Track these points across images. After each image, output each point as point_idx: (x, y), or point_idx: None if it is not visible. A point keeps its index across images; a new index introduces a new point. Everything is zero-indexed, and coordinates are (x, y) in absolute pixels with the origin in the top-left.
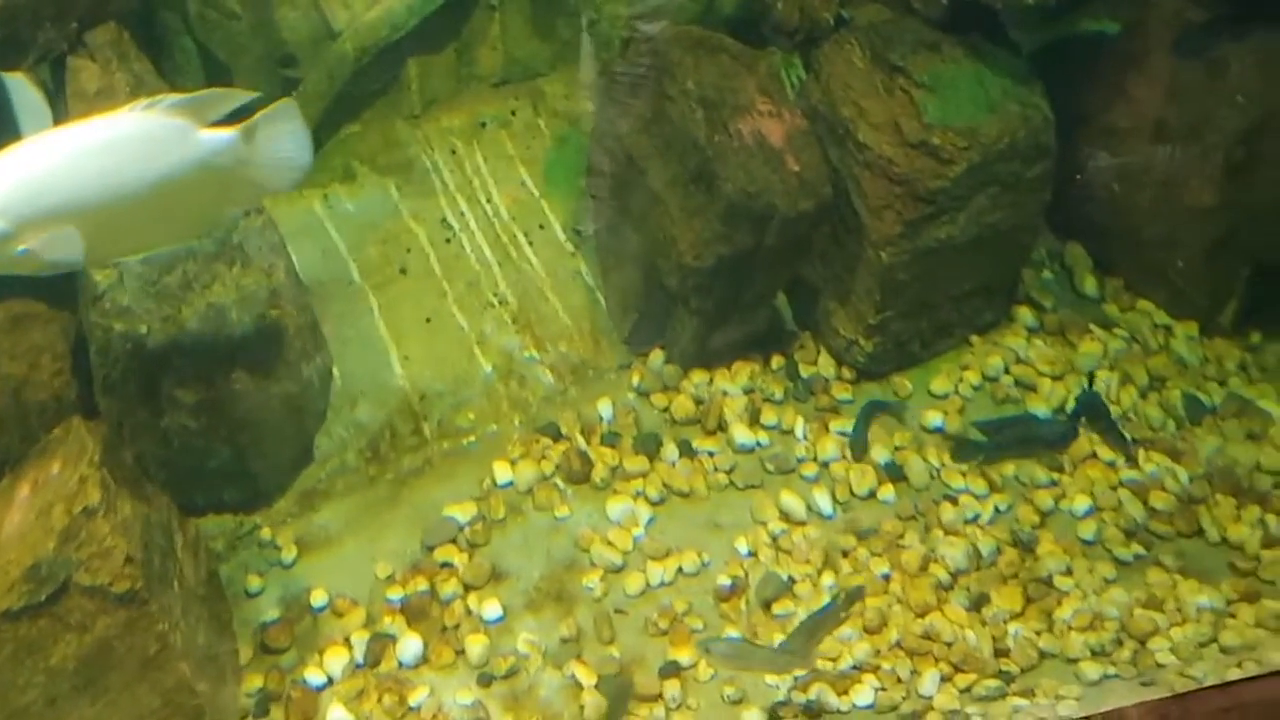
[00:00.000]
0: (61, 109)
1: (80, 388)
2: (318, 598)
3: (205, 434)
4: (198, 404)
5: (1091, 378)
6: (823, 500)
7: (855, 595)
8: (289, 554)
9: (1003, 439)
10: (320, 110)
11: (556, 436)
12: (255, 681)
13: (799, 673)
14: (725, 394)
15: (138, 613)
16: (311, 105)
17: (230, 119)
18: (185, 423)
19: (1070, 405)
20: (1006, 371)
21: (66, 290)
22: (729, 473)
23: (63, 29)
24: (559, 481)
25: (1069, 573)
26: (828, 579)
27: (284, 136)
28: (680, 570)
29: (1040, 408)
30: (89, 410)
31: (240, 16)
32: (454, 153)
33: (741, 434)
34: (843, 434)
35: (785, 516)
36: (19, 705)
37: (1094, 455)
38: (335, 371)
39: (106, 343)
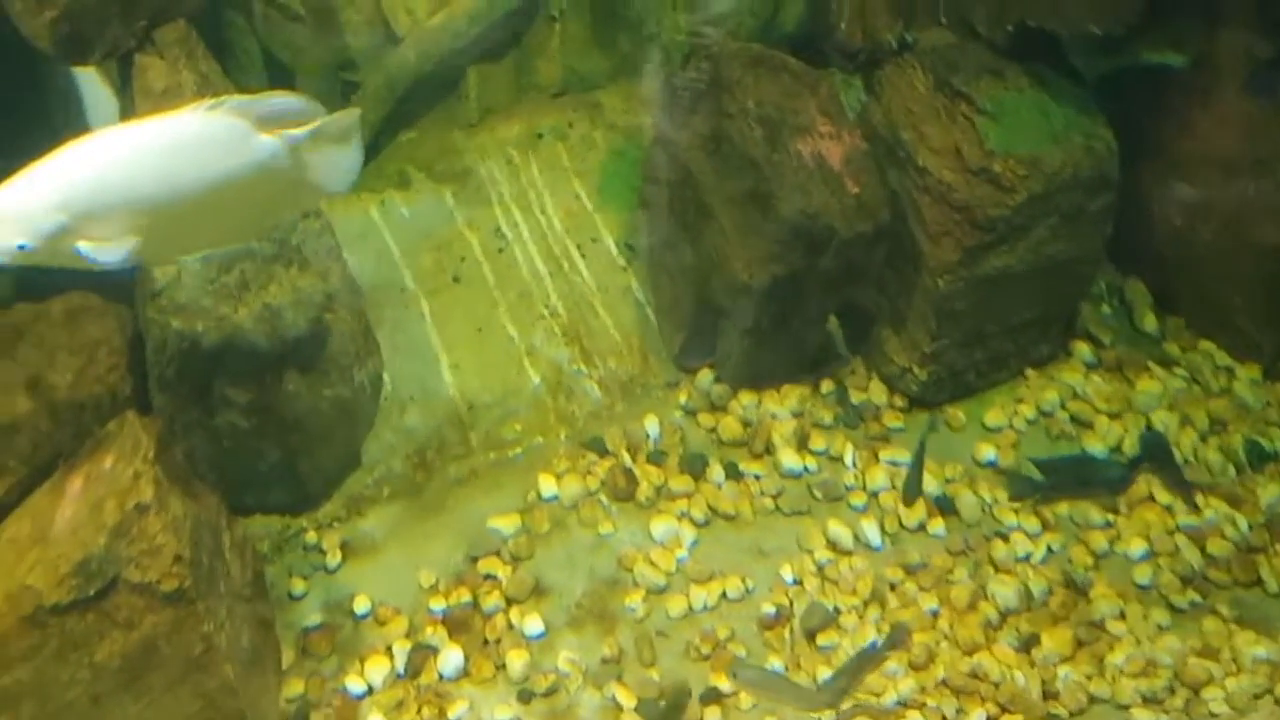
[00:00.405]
0: (128, 105)
1: (135, 383)
2: (361, 604)
3: (256, 434)
4: (250, 404)
5: (1148, 419)
6: (871, 531)
7: (898, 637)
8: (334, 559)
9: (1060, 479)
10: (379, 116)
11: (602, 452)
12: (296, 687)
13: (827, 714)
14: (774, 417)
15: (184, 612)
16: (370, 110)
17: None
18: (237, 422)
19: (1128, 445)
20: (1062, 407)
21: (124, 285)
22: (775, 497)
23: (131, 26)
24: (603, 498)
25: (1122, 617)
26: (874, 612)
27: (339, 145)
28: (724, 595)
29: (1096, 446)
30: (142, 406)
31: (303, 19)
32: (510, 162)
33: (789, 458)
34: (893, 463)
35: (832, 545)
36: (63, 701)
37: (1151, 498)
38: (386, 377)
39: (163, 339)
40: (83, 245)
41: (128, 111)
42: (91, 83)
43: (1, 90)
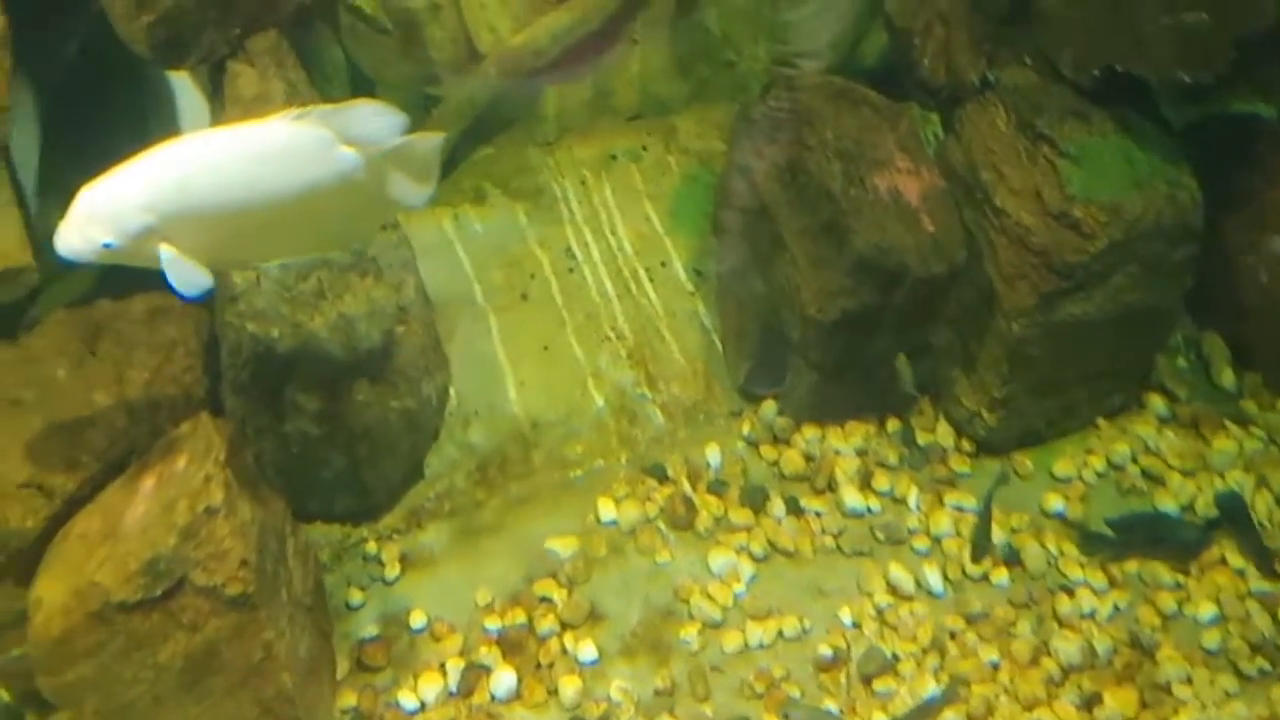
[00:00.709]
0: (218, 111)
1: (209, 385)
2: (417, 619)
3: (324, 442)
4: (320, 412)
5: (1224, 480)
6: (933, 577)
7: (952, 694)
8: (392, 571)
9: (1134, 537)
10: (458, 131)
11: (663, 479)
12: (349, 699)
13: None
14: (837, 453)
15: (247, 617)
16: (450, 125)
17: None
18: (306, 429)
19: (1202, 504)
20: (1134, 461)
21: None
22: (837, 536)
23: (225, 33)
24: (662, 525)
25: (1188, 681)
26: (933, 660)
27: (419, 163)
28: (780, 634)
29: (1169, 504)
30: (215, 408)
31: (389, 33)
32: (583, 183)
33: (852, 497)
34: (958, 509)
35: (893, 590)
36: (125, 700)
37: (1223, 561)
38: (452, 391)
39: (238, 343)
40: (168, 267)
41: (217, 117)
42: (184, 87)
43: (99, 92)
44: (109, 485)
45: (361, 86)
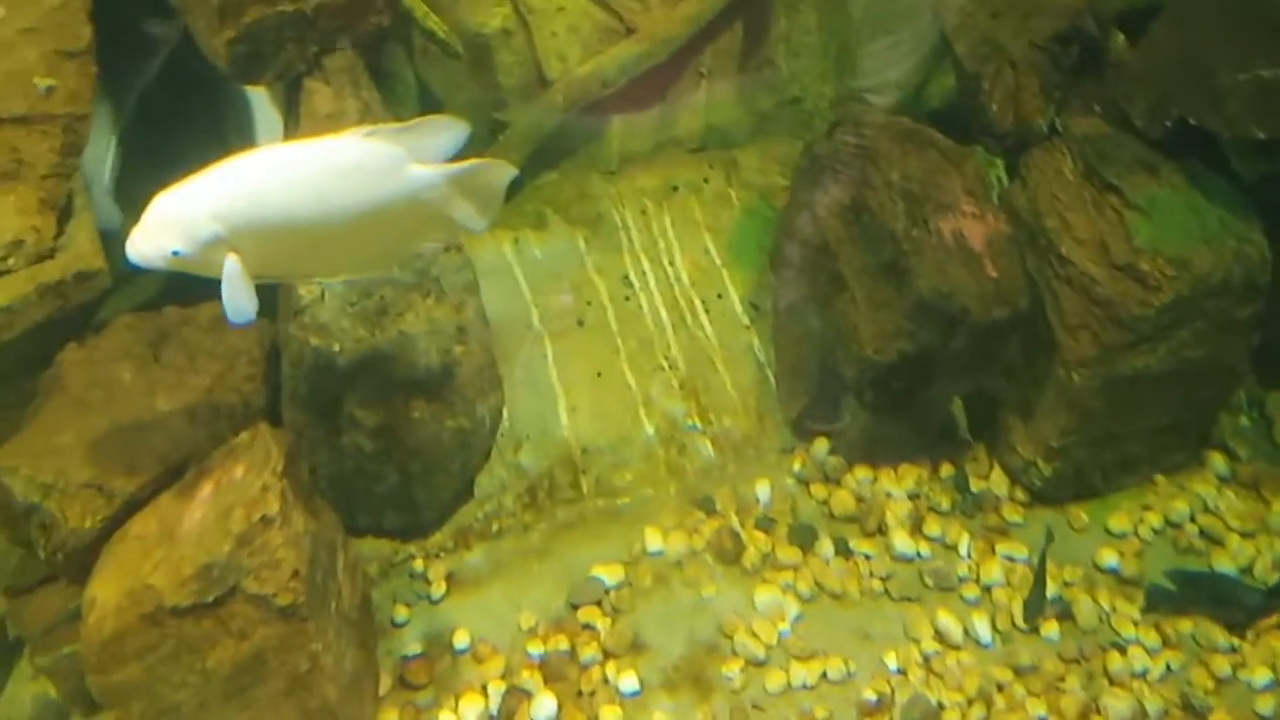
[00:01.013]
0: (292, 127)
1: (268, 395)
2: (460, 639)
3: (378, 457)
4: (376, 427)
5: None
6: (982, 627)
7: None
8: (438, 589)
9: (1195, 594)
10: (523, 156)
11: (710, 512)
12: (391, 715)
13: None
14: (889, 496)
15: (296, 628)
16: (515, 149)
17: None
18: (362, 444)
19: (1260, 567)
20: (1192, 520)
21: (267, 299)
22: (885, 580)
23: (303, 51)
24: (709, 559)
25: None
26: (979, 711)
27: (486, 187)
28: (824, 675)
29: (1227, 565)
30: (273, 419)
31: (461, 57)
32: (644, 212)
33: (902, 542)
34: (1009, 559)
35: (940, 637)
36: (171, 703)
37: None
38: (505, 413)
39: (300, 355)
40: (227, 288)
41: (291, 132)
42: (261, 102)
43: (178, 104)
44: (167, 489)
45: (430, 108)
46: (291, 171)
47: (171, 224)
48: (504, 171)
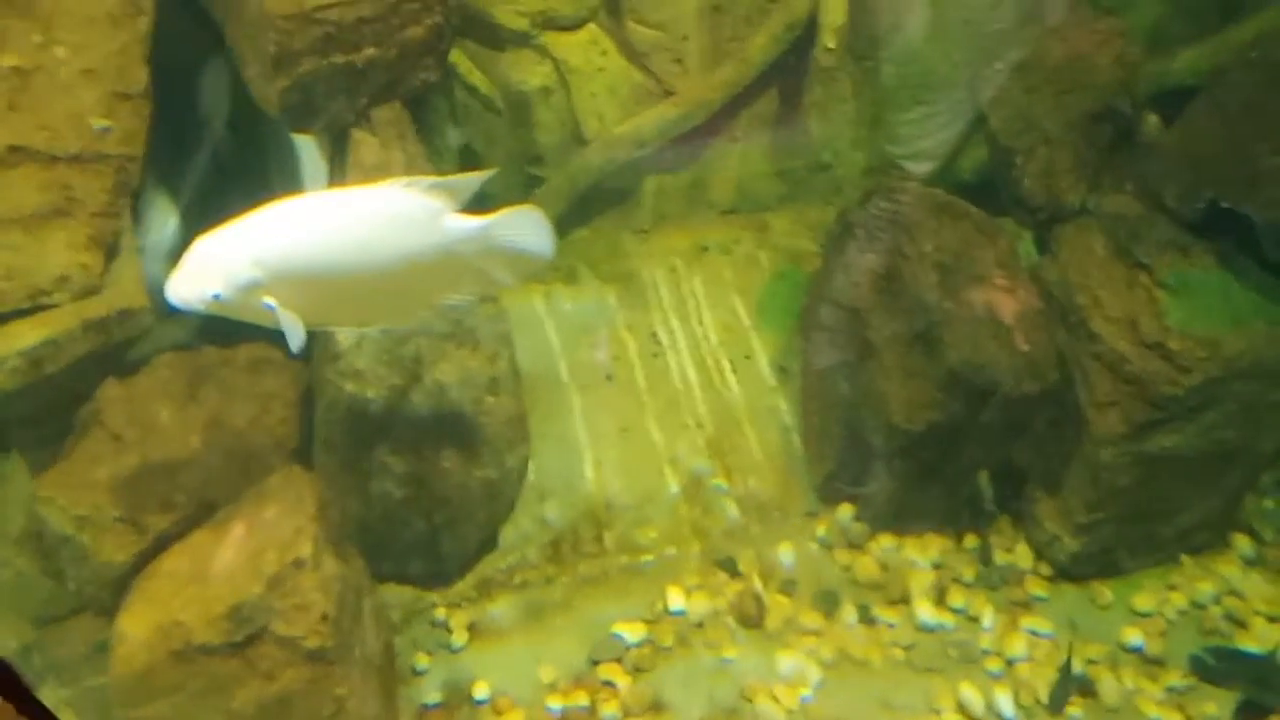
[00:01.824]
0: (337, 176)
1: (301, 439)
2: (480, 690)
3: (407, 504)
4: (406, 474)
5: None
6: (1004, 701)
7: None
8: (459, 639)
9: (1236, 671)
10: (558, 211)
11: (734, 573)
12: None
13: None
14: (913, 565)
15: (322, 672)
16: (550, 205)
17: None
18: (391, 490)
19: None
20: (1217, 601)
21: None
22: (907, 650)
23: (354, 102)
24: (731, 621)
25: None
26: None
27: (528, 235)
28: None
29: (1251, 649)
30: (305, 462)
31: (501, 112)
32: (674, 271)
33: (925, 611)
34: (1033, 633)
35: (962, 710)
36: None
37: None
38: (531, 465)
39: (335, 400)
40: (284, 321)
41: (337, 182)
42: (309, 150)
43: (228, 149)
44: (200, 527)
45: (469, 163)
46: (331, 220)
47: (212, 268)
48: (538, 217)
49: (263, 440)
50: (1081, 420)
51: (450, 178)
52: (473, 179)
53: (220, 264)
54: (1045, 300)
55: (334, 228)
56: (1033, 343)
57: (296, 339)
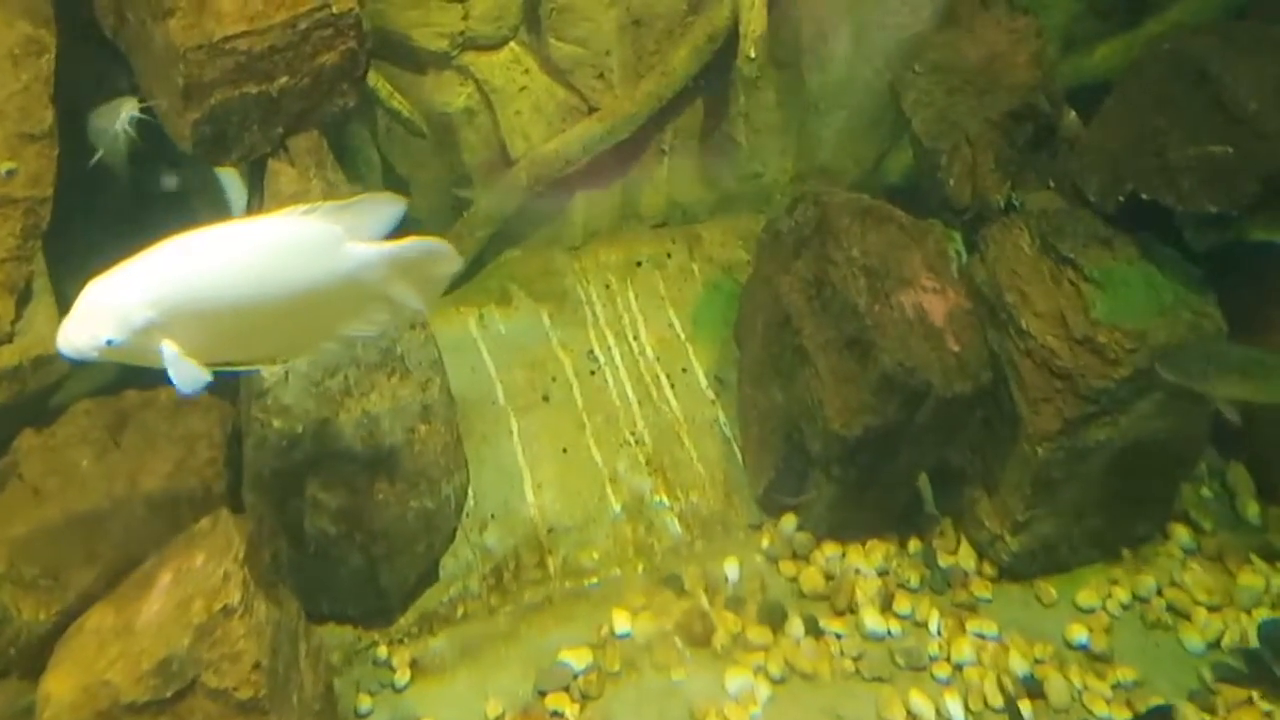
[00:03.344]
0: (256, 207)
1: (229, 479)
2: None
3: (342, 540)
4: (339, 510)
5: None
6: (954, 707)
7: None
8: (402, 677)
9: None
10: (487, 233)
11: (679, 591)
12: None
13: None
14: (858, 572)
15: None
16: (480, 227)
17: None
18: (325, 527)
19: (1227, 640)
20: (1159, 593)
21: (228, 381)
22: (856, 660)
23: (268, 133)
24: (678, 641)
25: None
26: None
27: (427, 266)
28: None
29: (1194, 640)
30: (234, 504)
31: (425, 135)
32: (608, 287)
33: (872, 620)
34: (980, 636)
35: (913, 718)
36: None
37: (1250, 701)
38: (470, 491)
39: (263, 438)
40: (171, 365)
41: (255, 213)
42: (231, 182)
43: (148, 184)
44: (125, 579)
45: (394, 187)
46: (226, 253)
47: (104, 312)
48: (444, 251)
49: (189, 484)
50: (1016, 418)
51: (352, 201)
52: (378, 203)
53: (113, 307)
54: (975, 299)
55: (230, 261)
56: (964, 343)
57: (190, 384)
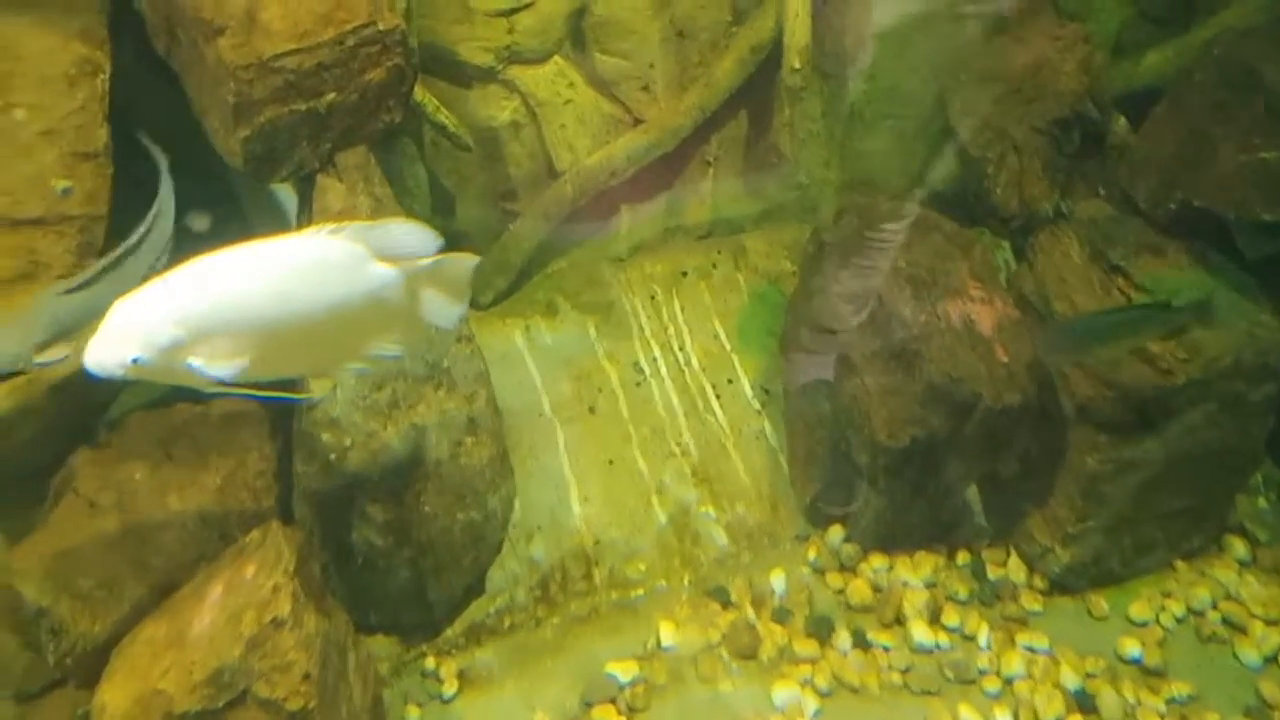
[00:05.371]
0: (305, 223)
1: (280, 492)
2: None
3: (390, 553)
4: (387, 522)
5: None
6: None
7: None
8: (450, 688)
9: None
10: (533, 245)
11: (726, 603)
12: None
13: None
14: (906, 585)
15: None
16: (525, 240)
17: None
18: (373, 539)
19: None
20: (1214, 606)
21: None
22: (904, 673)
23: (317, 149)
24: (724, 653)
25: None
26: None
27: (450, 284)
28: None
29: (1250, 654)
30: (284, 516)
31: (471, 149)
32: (653, 299)
33: (921, 632)
34: (1030, 649)
35: None
36: None
37: None
38: (516, 503)
39: (311, 451)
40: (194, 361)
41: (303, 227)
42: (286, 197)
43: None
44: (178, 591)
45: (441, 201)
46: (252, 272)
47: (130, 331)
48: (466, 263)
49: (240, 496)
50: (1065, 430)
51: (380, 222)
52: (405, 224)
53: (139, 326)
54: (1023, 309)
55: (255, 279)
56: (1012, 354)
57: (224, 372)
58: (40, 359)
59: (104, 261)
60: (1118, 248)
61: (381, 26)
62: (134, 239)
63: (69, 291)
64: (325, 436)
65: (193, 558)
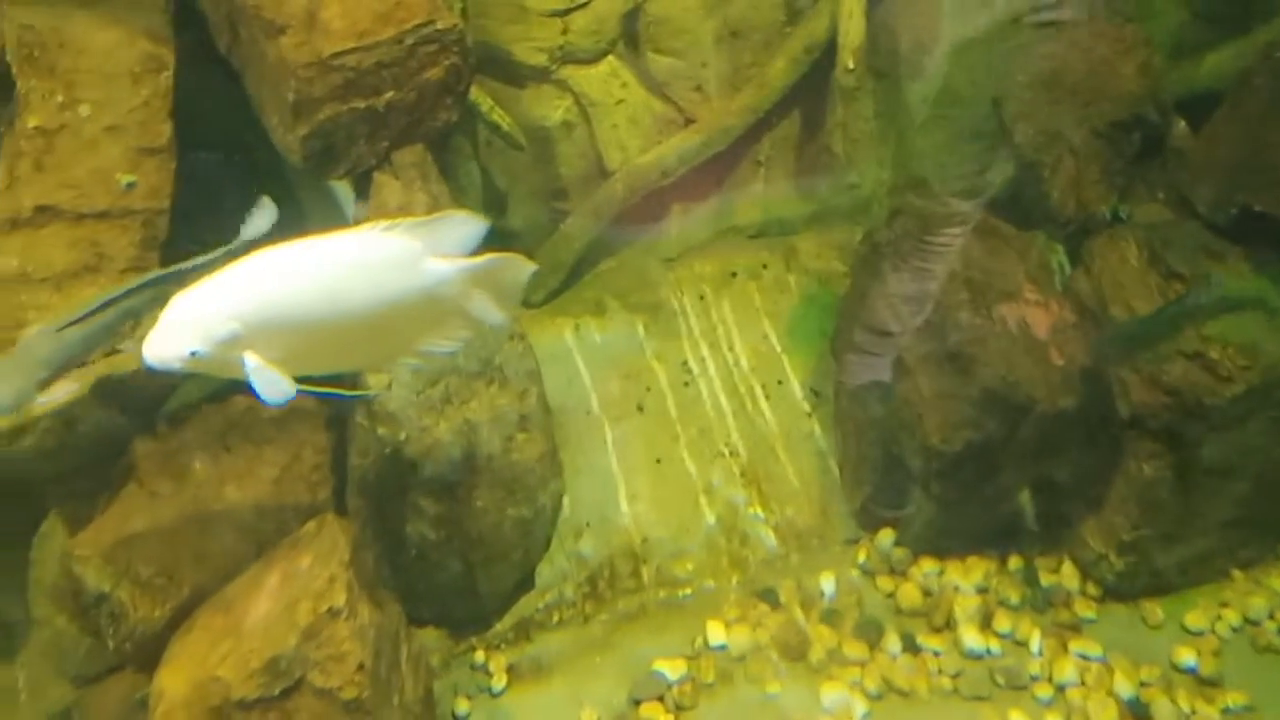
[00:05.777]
0: (362, 219)
1: (334, 485)
2: None
3: (441, 546)
4: (439, 516)
5: None
6: None
7: None
8: (499, 682)
9: None
10: (583, 244)
11: (774, 605)
12: None
13: None
14: (957, 589)
15: None
16: (576, 239)
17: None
18: (425, 533)
19: None
20: (1270, 617)
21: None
22: (954, 678)
23: (375, 146)
24: (773, 654)
25: None
26: None
27: (504, 284)
28: None
29: None
30: (338, 508)
31: (524, 148)
32: (702, 298)
33: (971, 638)
34: (1083, 656)
35: None
36: None
37: None
38: (565, 500)
39: (367, 445)
40: (254, 375)
41: (360, 223)
42: (342, 194)
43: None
44: (235, 579)
45: (493, 199)
46: (307, 268)
47: (189, 324)
48: (522, 266)
49: (296, 488)
50: (1122, 435)
51: (433, 218)
52: (458, 220)
53: (197, 320)
54: (1079, 313)
55: (311, 276)
56: (1068, 357)
57: (274, 394)
58: (44, 397)
59: (101, 298)
60: (1176, 252)
61: (440, 26)
62: (146, 278)
63: (64, 327)
64: (380, 430)
65: (250, 547)
